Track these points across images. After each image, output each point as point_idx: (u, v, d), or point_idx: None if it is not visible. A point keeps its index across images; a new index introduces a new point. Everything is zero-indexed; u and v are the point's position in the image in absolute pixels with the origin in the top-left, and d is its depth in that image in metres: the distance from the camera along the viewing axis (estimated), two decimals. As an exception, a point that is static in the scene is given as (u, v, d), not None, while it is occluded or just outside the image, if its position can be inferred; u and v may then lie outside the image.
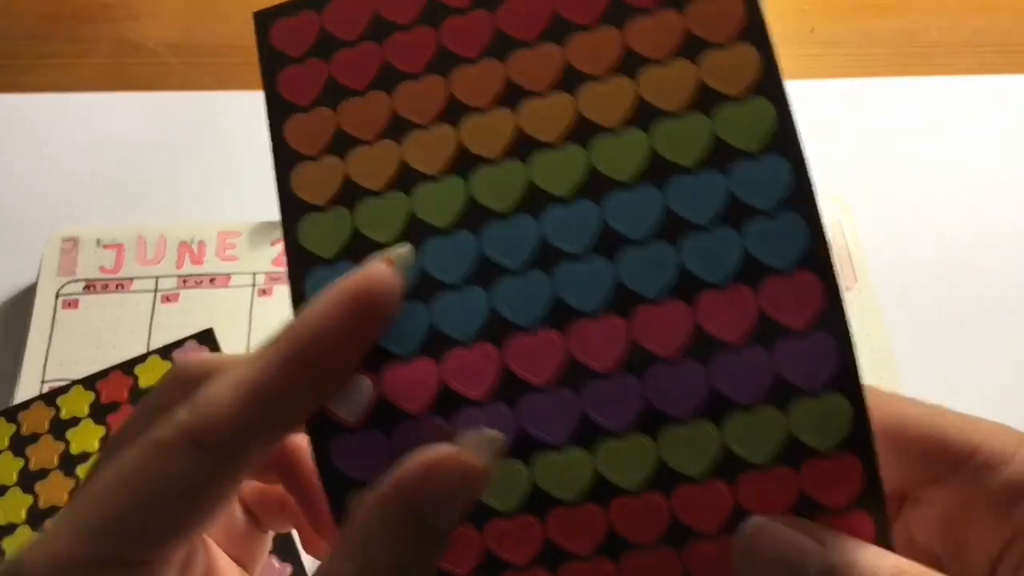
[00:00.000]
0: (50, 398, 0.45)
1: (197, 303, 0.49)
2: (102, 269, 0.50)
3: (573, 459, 0.21)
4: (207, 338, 0.47)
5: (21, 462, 0.43)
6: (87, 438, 0.44)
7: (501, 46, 0.22)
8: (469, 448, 0.20)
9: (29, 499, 0.43)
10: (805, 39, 0.65)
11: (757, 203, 0.20)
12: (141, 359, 0.46)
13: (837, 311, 0.20)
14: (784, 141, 0.20)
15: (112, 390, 0.45)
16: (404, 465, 0.20)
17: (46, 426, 0.44)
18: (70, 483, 0.43)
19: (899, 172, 0.56)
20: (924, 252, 0.53)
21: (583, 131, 0.22)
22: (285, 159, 0.23)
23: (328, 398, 0.21)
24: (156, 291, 0.49)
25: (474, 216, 0.22)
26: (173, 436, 0.19)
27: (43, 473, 0.43)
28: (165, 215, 0.54)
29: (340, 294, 0.20)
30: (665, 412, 0.21)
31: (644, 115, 0.21)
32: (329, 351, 0.20)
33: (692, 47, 0.21)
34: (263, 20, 0.24)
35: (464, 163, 0.22)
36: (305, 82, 0.23)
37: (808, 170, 0.20)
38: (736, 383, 0.20)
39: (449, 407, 0.21)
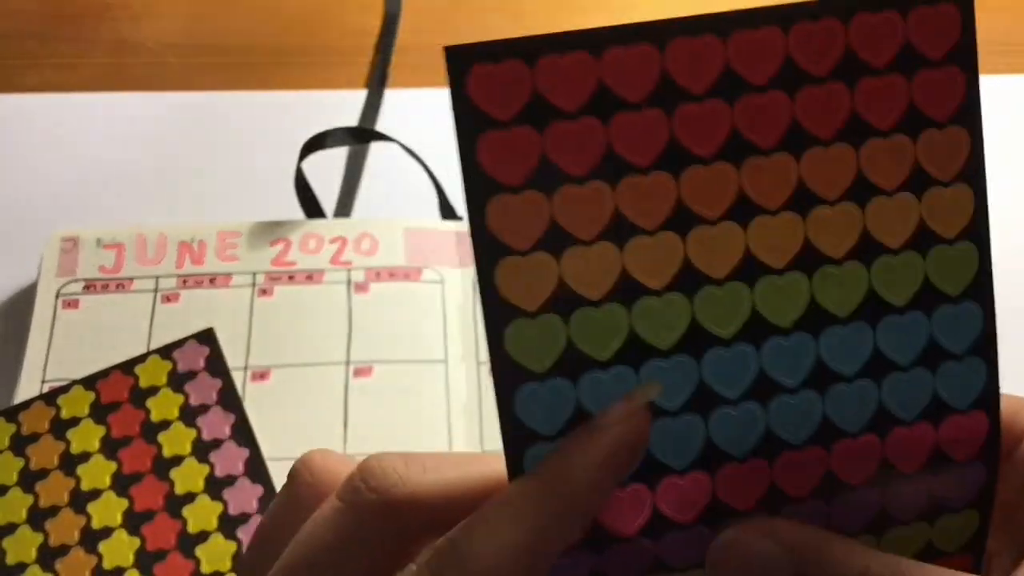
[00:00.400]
0: (50, 398, 0.45)
1: (197, 303, 0.49)
2: (102, 269, 0.50)
3: None
4: (207, 338, 0.47)
5: (21, 462, 0.43)
6: (87, 438, 0.44)
7: (736, 149, 0.20)
8: None
9: (29, 499, 0.43)
10: (805, 39, 0.65)
11: (951, 347, 0.22)
12: (141, 359, 0.46)
13: (993, 446, 0.22)
14: (981, 287, 0.22)
15: (112, 390, 0.45)
16: None
17: (46, 426, 0.44)
18: (70, 483, 0.43)
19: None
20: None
21: (808, 259, 0.21)
22: (489, 250, 0.19)
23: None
24: (156, 291, 0.49)
25: (695, 341, 0.20)
26: None
27: (43, 473, 0.43)
28: (165, 215, 0.54)
29: (612, 453, 0.20)
30: (843, 527, 0.22)
31: (867, 249, 0.21)
32: (593, 510, 0.20)
33: (919, 181, 0.21)
34: (457, 60, 0.19)
35: (689, 280, 0.20)
36: (513, 156, 0.19)
37: (995, 317, 0.22)
38: (903, 504, 0.22)
39: (659, 530, 0.21)
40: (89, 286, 0.49)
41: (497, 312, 0.20)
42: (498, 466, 0.21)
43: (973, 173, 0.21)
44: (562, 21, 0.65)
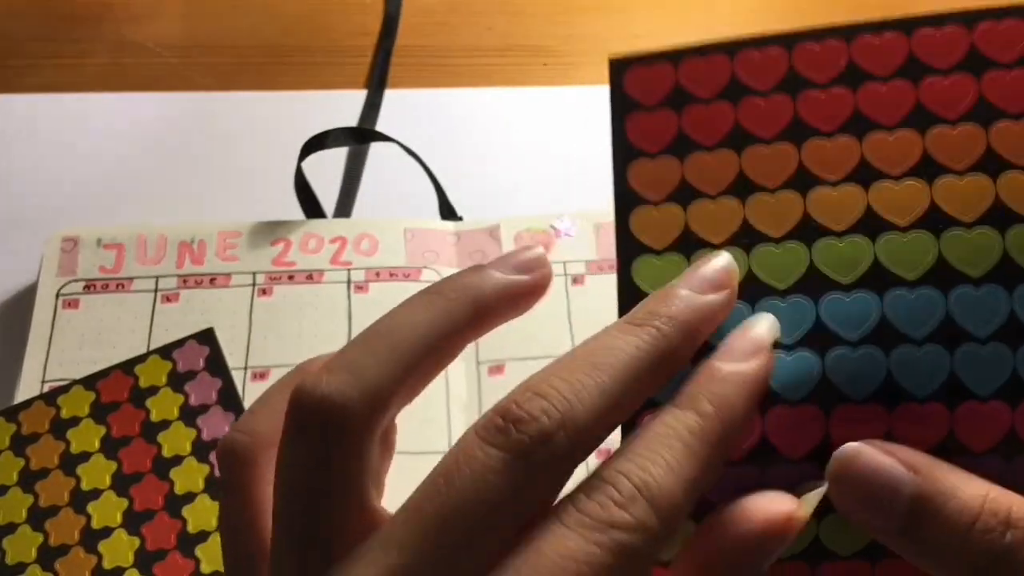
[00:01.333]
0: (50, 398, 0.45)
1: (197, 303, 0.49)
2: (102, 269, 0.50)
3: None
4: (207, 338, 0.47)
5: (21, 462, 0.44)
6: (87, 438, 0.44)
7: (857, 126, 0.23)
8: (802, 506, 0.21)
9: (29, 499, 0.43)
10: (804, 39, 0.65)
11: None
12: (141, 359, 0.46)
13: None
14: None
15: (113, 390, 0.45)
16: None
17: (46, 426, 0.44)
18: (70, 483, 0.43)
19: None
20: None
21: (935, 221, 0.22)
22: (626, 200, 0.24)
23: None
24: (156, 291, 0.49)
25: (813, 284, 0.22)
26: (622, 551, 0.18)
27: (43, 472, 0.43)
28: (165, 215, 0.54)
29: (753, 388, 0.21)
30: None
31: (1000, 216, 0.21)
32: (735, 448, 0.21)
33: None
34: (618, 66, 0.24)
35: (807, 232, 0.22)
36: (654, 130, 0.24)
37: None
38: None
39: (763, 460, 0.22)
40: (89, 286, 0.49)
41: (628, 248, 0.24)
42: None
43: None
44: (562, 22, 0.65)
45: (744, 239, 0.23)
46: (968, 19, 0.22)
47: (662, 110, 0.24)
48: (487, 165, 0.57)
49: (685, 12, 0.66)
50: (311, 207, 0.53)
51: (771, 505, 0.21)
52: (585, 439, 0.20)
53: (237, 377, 0.46)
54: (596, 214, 0.53)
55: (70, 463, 0.44)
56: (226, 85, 0.61)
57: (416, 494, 0.20)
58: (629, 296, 0.23)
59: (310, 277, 0.50)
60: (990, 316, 0.21)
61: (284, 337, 0.48)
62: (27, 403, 0.45)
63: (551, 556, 0.18)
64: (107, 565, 0.41)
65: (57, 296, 0.49)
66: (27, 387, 0.46)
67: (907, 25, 0.23)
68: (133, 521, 0.42)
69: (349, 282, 0.50)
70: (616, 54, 0.24)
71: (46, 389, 0.46)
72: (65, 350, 0.47)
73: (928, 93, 0.22)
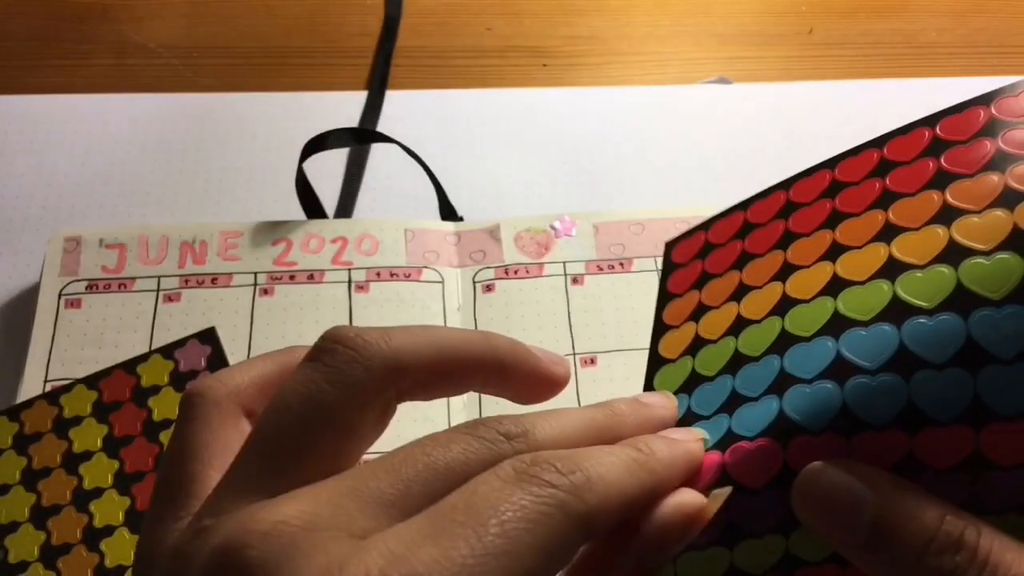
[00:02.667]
0: (53, 397, 0.45)
1: (199, 302, 0.49)
2: (104, 269, 0.50)
3: None
4: (209, 337, 0.47)
5: (24, 461, 0.44)
6: (89, 437, 0.44)
7: (833, 252, 0.26)
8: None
9: (32, 497, 0.43)
10: (803, 40, 0.65)
11: None
12: (143, 358, 0.47)
13: None
14: None
15: (114, 389, 0.46)
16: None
17: (49, 425, 0.45)
18: (72, 482, 0.43)
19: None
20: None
21: (952, 254, 0.23)
22: (659, 331, 0.30)
23: None
24: (158, 291, 0.49)
25: (782, 343, 0.25)
26: (553, 503, 0.20)
27: (46, 472, 0.44)
28: (167, 215, 0.54)
29: (686, 458, 0.24)
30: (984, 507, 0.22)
31: (952, 255, 0.23)
32: (664, 491, 0.23)
33: None
34: (671, 245, 0.31)
35: (783, 306, 0.26)
36: (686, 278, 0.30)
37: None
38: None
39: (788, 485, 0.23)
40: (91, 286, 0.49)
41: (654, 363, 0.29)
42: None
43: None
44: (561, 23, 0.65)
45: (735, 328, 0.27)
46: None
47: (693, 262, 0.30)
48: (487, 165, 0.57)
49: (685, 13, 0.66)
50: (312, 207, 0.53)
51: (682, 497, 0.23)
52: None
53: (238, 376, 0.46)
54: (596, 214, 0.53)
55: (72, 462, 0.44)
56: (228, 86, 0.61)
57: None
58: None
59: (311, 277, 0.50)
60: (1014, 336, 0.22)
61: (285, 336, 0.48)
62: (29, 402, 0.45)
63: (484, 495, 0.19)
64: (109, 563, 0.41)
65: (59, 296, 0.49)
66: (29, 386, 0.46)
67: (880, 141, 0.27)
68: (135, 520, 0.42)
69: (350, 282, 0.50)
70: (670, 240, 0.32)
71: (48, 388, 0.46)
72: (67, 350, 0.47)
73: (897, 212, 0.25)
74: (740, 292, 0.28)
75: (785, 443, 0.23)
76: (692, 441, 0.24)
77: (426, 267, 0.51)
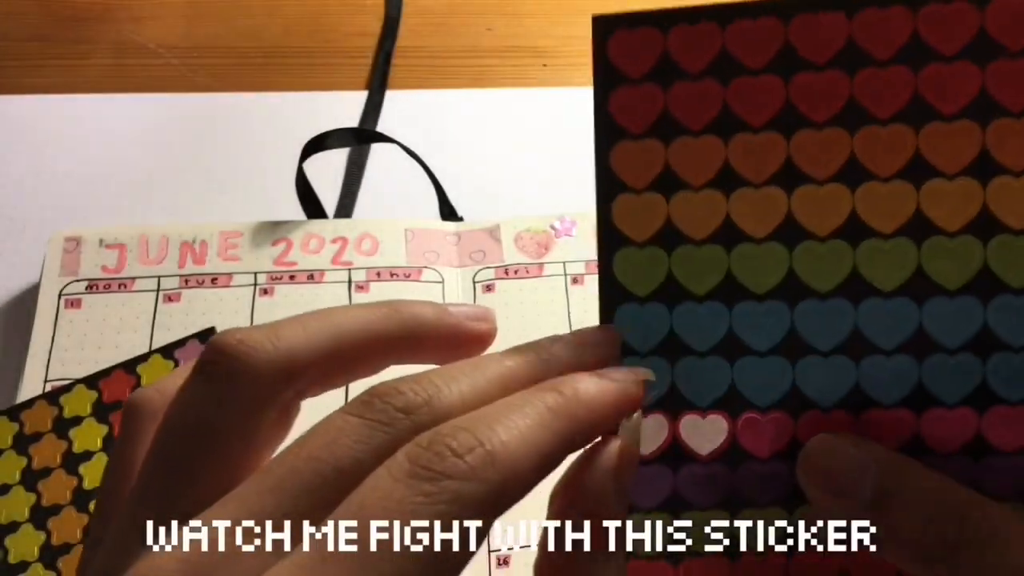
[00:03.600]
0: (53, 397, 0.45)
1: (199, 303, 0.49)
2: (104, 269, 0.50)
3: None
4: (209, 337, 0.47)
5: (24, 461, 0.44)
6: (89, 437, 0.44)
7: (851, 117, 0.21)
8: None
9: (32, 497, 0.43)
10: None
11: None
12: (143, 358, 0.47)
13: None
14: None
15: (115, 389, 0.46)
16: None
17: (49, 425, 0.45)
18: (72, 481, 0.43)
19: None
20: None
21: (918, 228, 0.21)
22: (608, 186, 0.23)
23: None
24: (158, 291, 0.49)
25: (791, 290, 0.22)
26: (447, 498, 0.18)
27: (46, 472, 0.44)
28: (167, 215, 0.54)
29: (617, 400, 0.21)
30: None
31: (984, 227, 0.21)
32: (591, 436, 0.21)
33: None
34: (602, 27, 0.23)
35: (790, 233, 0.22)
36: (638, 108, 0.22)
37: None
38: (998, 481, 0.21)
39: (735, 460, 0.22)
40: (91, 286, 0.49)
41: (609, 239, 0.22)
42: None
43: None
44: (561, 22, 0.65)
45: (725, 236, 0.22)
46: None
47: (647, 85, 0.22)
48: (487, 165, 0.57)
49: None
50: (312, 207, 0.53)
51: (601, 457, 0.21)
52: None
53: (238, 376, 0.46)
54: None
55: (72, 462, 0.44)
56: (227, 86, 0.61)
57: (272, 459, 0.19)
58: (610, 291, 0.23)
59: (311, 277, 0.50)
60: (962, 327, 0.21)
61: (285, 337, 0.48)
62: (29, 402, 0.45)
63: (373, 506, 0.17)
64: (109, 563, 0.41)
65: (59, 296, 0.49)
66: (29, 386, 0.46)
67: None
68: (135, 520, 0.42)
69: (350, 282, 0.50)
70: (600, 13, 0.23)
71: (48, 388, 0.46)
72: (67, 349, 0.47)
73: (927, 82, 0.21)
74: (728, 180, 0.22)
75: (796, 417, 0.22)
76: (630, 382, 0.21)
77: (426, 267, 0.50)
